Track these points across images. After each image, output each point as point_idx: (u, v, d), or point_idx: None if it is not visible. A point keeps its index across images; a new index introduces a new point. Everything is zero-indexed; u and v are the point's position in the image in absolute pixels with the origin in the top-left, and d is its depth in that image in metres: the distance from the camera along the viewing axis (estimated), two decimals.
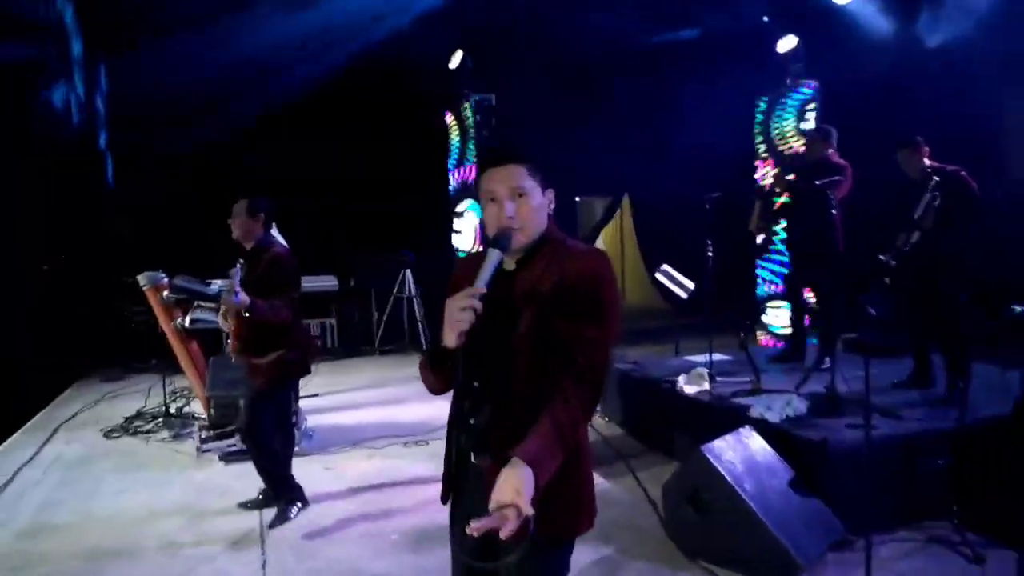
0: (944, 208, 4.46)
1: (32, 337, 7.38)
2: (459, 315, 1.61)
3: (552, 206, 1.88)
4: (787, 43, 8.31)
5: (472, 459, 1.79)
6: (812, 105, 8.03)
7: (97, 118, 10.16)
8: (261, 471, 4.15)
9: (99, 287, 8.86)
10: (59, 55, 8.85)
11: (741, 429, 3.77)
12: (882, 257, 4.68)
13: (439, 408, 6.47)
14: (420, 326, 9.54)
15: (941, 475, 3.81)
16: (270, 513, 4.14)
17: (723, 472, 3.38)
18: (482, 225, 2.09)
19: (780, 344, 7.59)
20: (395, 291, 9.68)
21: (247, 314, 3.80)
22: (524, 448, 1.57)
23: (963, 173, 4.51)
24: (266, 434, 4.07)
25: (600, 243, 15.90)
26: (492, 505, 1.51)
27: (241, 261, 3.89)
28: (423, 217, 9.99)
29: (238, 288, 3.74)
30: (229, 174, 8.80)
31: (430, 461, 5.02)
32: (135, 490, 4.67)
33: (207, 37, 8.54)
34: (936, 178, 4.55)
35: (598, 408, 5.95)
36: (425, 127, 9.70)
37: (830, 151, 5.85)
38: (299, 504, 4.20)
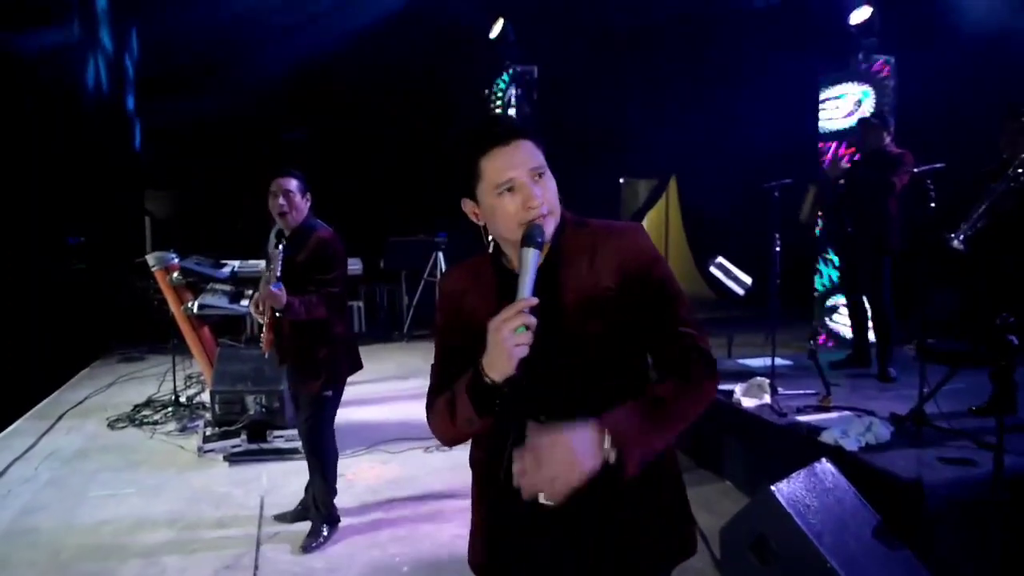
0: None
1: (53, 315, 7.03)
2: (514, 337, 1.28)
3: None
4: (861, 14, 7.54)
5: (541, 497, 1.39)
6: (889, 82, 7.28)
7: (126, 80, 9.79)
8: (317, 486, 3.69)
9: (123, 263, 8.51)
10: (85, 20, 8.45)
11: (817, 464, 3.16)
12: (950, 236, 4.00)
13: None
14: None
15: None
16: (277, 530, 3.68)
17: (797, 521, 2.79)
18: (484, 231, 1.57)
19: (830, 343, 7.00)
20: (426, 274, 9.19)
21: (279, 314, 3.33)
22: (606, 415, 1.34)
23: None
24: (327, 443, 3.68)
25: (644, 224, 15.29)
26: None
27: (283, 243, 3.40)
28: (455, 198, 9.47)
29: (279, 274, 3.27)
30: (258, 145, 8.38)
31: (452, 472, 4.51)
32: (125, 495, 4.23)
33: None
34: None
35: None
36: (463, 100, 9.14)
37: (887, 139, 5.28)
38: (335, 524, 3.73)
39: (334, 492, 3.74)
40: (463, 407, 1.40)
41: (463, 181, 1.48)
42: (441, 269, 9.08)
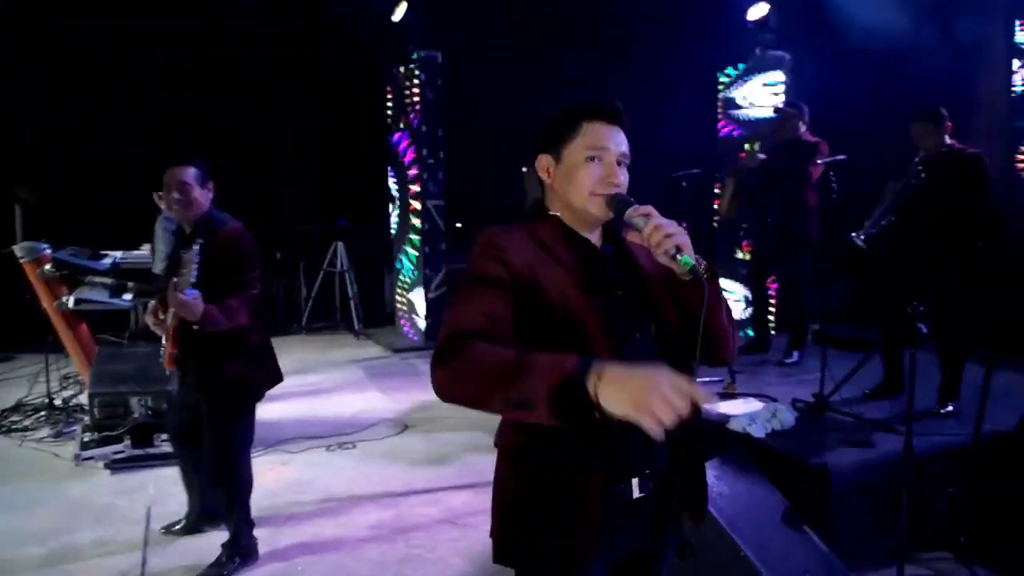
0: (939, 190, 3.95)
1: None
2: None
3: None
4: (758, 10, 7.75)
5: (635, 491, 1.48)
6: (783, 79, 7.52)
7: None
8: (228, 513, 3.22)
9: None
10: None
11: (727, 453, 3.18)
12: (854, 235, 4.16)
13: (370, 400, 5.78)
14: (352, 303, 8.76)
15: (947, 501, 3.36)
16: (166, 544, 3.39)
17: (712, 511, 2.78)
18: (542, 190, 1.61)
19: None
20: (325, 264, 8.85)
21: (195, 327, 2.84)
22: None
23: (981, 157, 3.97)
24: (239, 472, 3.21)
25: None
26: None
27: (200, 241, 2.87)
28: (358, 184, 9.16)
29: (194, 279, 2.75)
30: (136, 130, 7.81)
31: (357, 470, 4.32)
32: None
33: None
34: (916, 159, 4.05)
35: None
36: (363, 85, 8.82)
37: (803, 128, 5.38)
38: (250, 559, 3.25)
39: (251, 523, 3.30)
40: (531, 390, 1.18)
41: (556, 133, 1.52)
42: (341, 259, 8.77)
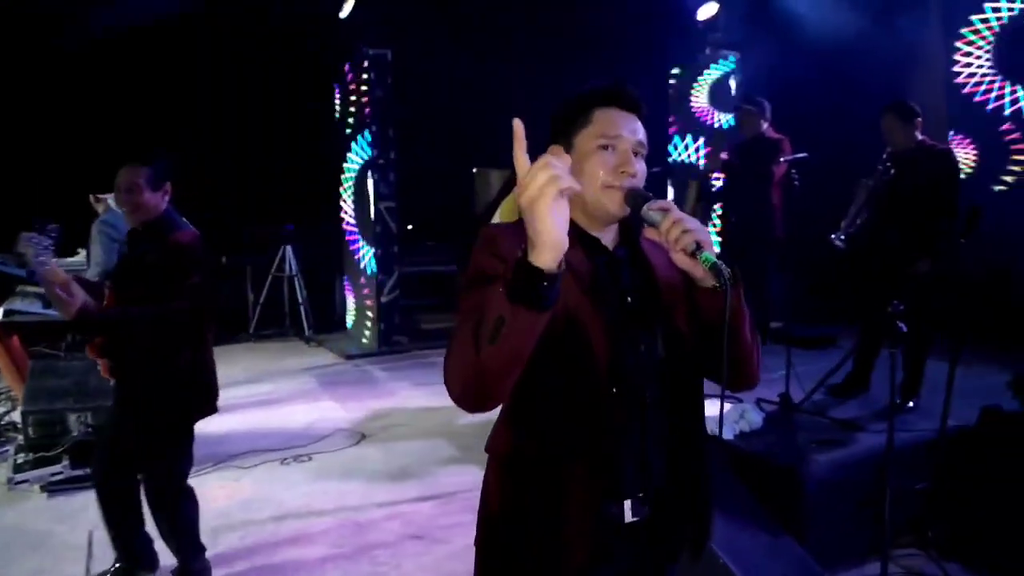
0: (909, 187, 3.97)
1: None
2: (542, 174, 1.06)
3: None
4: (707, 10, 7.79)
5: (627, 515, 1.37)
6: (733, 78, 7.58)
7: None
8: (174, 541, 3.00)
9: None
10: None
11: None
12: (833, 236, 4.17)
13: (324, 410, 5.59)
14: (302, 309, 8.51)
15: (914, 497, 3.37)
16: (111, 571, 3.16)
17: None
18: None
19: None
20: (274, 269, 8.58)
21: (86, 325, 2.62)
22: None
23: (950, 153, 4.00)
24: (179, 491, 2.99)
25: (496, 219, 15.25)
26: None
27: (55, 224, 2.65)
28: (306, 185, 8.90)
29: (48, 265, 2.46)
30: (69, 130, 7.43)
31: (314, 484, 4.14)
32: None
33: None
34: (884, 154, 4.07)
35: None
36: (312, 84, 8.58)
37: (765, 126, 5.39)
38: None
39: (201, 548, 3.09)
40: (492, 306, 1.13)
41: (566, 121, 1.42)
42: (290, 263, 8.51)
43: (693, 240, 1.22)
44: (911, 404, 4.03)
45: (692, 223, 1.25)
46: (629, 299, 1.40)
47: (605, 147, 1.37)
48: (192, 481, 4.12)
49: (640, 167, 1.40)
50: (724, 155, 5.47)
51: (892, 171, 3.93)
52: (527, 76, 9.78)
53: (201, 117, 8.27)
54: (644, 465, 1.37)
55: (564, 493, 1.33)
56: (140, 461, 2.93)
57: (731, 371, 1.35)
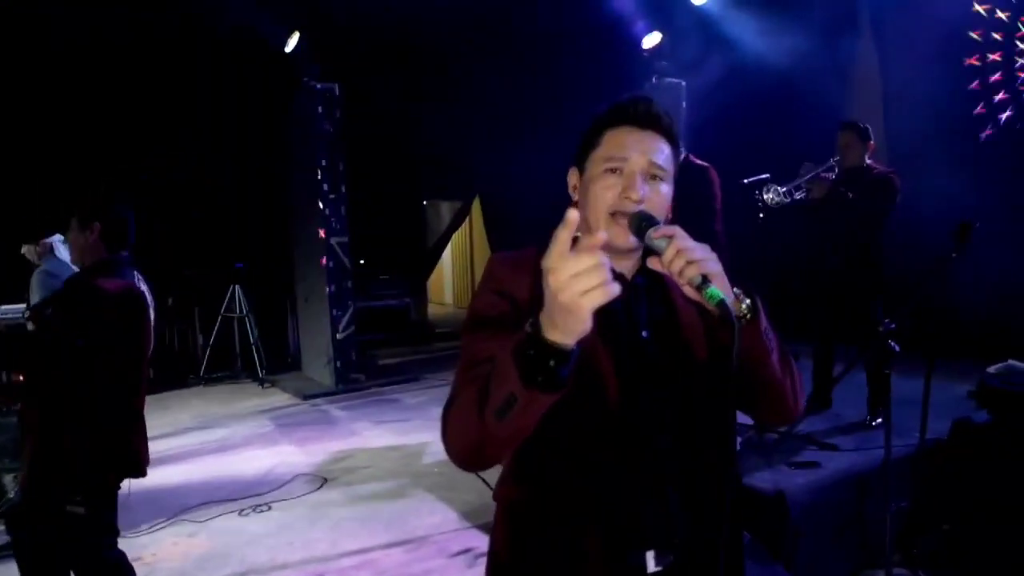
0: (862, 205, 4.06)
1: None
2: (589, 278, 0.91)
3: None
4: (652, 39, 7.91)
5: (650, 565, 1.24)
6: (681, 104, 7.68)
7: None
8: None
9: None
10: None
11: None
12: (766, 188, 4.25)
13: (282, 455, 5.37)
14: (254, 349, 8.25)
15: (893, 515, 3.35)
16: None
17: None
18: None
19: None
20: (223, 310, 8.31)
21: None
22: None
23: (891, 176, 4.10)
24: (101, 562, 2.70)
25: (448, 250, 15.15)
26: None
27: None
28: (256, 223, 8.69)
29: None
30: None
31: (276, 536, 3.93)
32: None
33: None
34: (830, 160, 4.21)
35: None
36: (259, 120, 8.40)
37: (684, 154, 5.47)
38: None
39: None
40: (502, 378, 1.02)
41: (582, 147, 1.33)
42: (240, 303, 8.26)
43: (698, 273, 1.09)
44: (879, 420, 4.05)
45: (698, 252, 1.11)
46: (644, 333, 1.29)
47: (612, 170, 1.25)
48: (144, 539, 3.94)
49: (653, 190, 1.25)
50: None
51: (846, 191, 4.00)
52: (474, 109, 9.80)
53: (145, 154, 8.03)
54: (665, 513, 1.25)
55: (580, 545, 1.23)
56: (53, 531, 2.63)
57: (763, 405, 1.28)
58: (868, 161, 4.13)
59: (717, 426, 1.30)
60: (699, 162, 5.40)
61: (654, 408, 1.25)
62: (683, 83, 7.75)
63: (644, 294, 1.32)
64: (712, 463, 1.29)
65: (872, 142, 4.12)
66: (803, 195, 4.14)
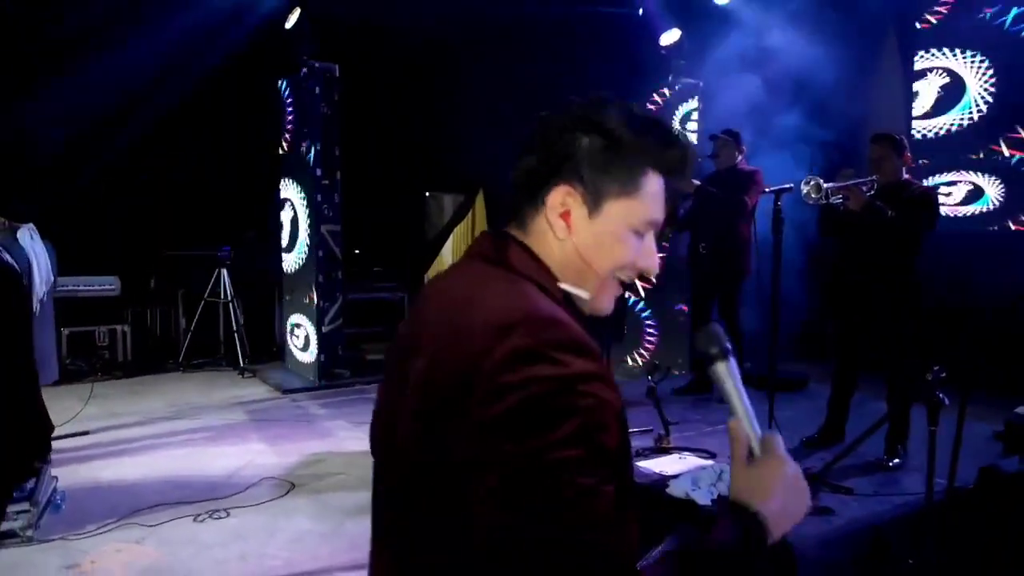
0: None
1: None
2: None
3: None
4: (670, 36, 7.56)
5: None
6: (697, 105, 7.34)
7: None
8: None
9: None
10: None
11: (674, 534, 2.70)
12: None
13: (251, 453, 5.02)
14: (237, 336, 7.91)
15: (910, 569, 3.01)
16: None
17: None
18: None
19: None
20: (207, 294, 7.98)
21: None
22: None
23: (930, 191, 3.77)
24: None
25: (449, 244, 14.79)
26: None
27: None
28: (246, 207, 8.36)
29: None
30: None
31: (229, 547, 3.59)
32: None
33: None
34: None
35: None
36: (253, 99, 8.07)
37: (740, 157, 5.16)
38: None
39: None
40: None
41: (602, 170, 1.00)
42: (226, 288, 7.92)
43: None
44: (897, 460, 3.71)
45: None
46: None
47: (639, 232, 1.04)
48: (86, 543, 3.60)
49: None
50: (696, 181, 5.18)
51: (888, 210, 3.65)
52: (480, 100, 9.45)
53: (131, 134, 7.70)
54: None
55: None
56: None
57: None
58: (906, 176, 3.78)
59: None
60: (747, 168, 5.15)
61: None
62: (700, 83, 7.42)
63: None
64: None
65: (908, 154, 3.77)
66: (840, 200, 3.80)
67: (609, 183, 1.01)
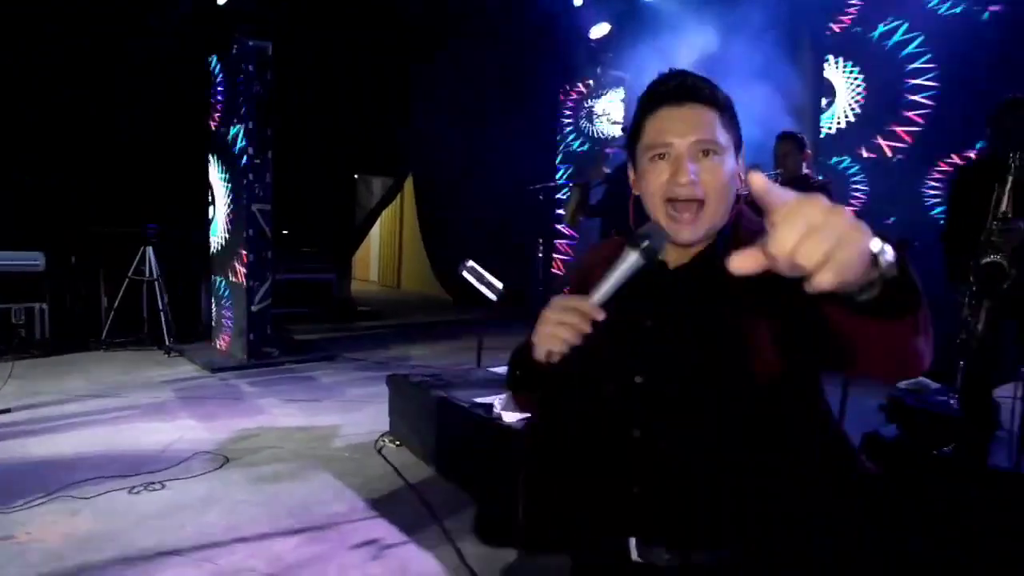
0: None
1: None
2: (553, 330, 1.10)
3: (744, 176, 1.19)
4: (600, 30, 7.84)
5: (633, 553, 1.21)
6: (623, 96, 7.65)
7: None
8: None
9: None
10: None
11: None
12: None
13: (183, 429, 5.07)
14: (162, 315, 7.83)
15: None
16: None
17: None
18: (635, 202, 1.29)
19: None
20: (131, 272, 7.85)
21: None
22: None
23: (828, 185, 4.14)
24: None
25: (377, 227, 14.80)
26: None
27: None
28: (171, 184, 8.24)
29: None
30: None
31: (167, 517, 3.68)
32: None
33: None
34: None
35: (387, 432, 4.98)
36: (182, 75, 7.94)
37: (804, 165, 5.44)
38: None
39: None
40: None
41: (630, 138, 1.29)
42: (151, 266, 7.81)
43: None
44: None
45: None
46: (649, 323, 1.25)
47: (660, 156, 1.20)
48: (19, 515, 3.64)
49: (706, 168, 1.18)
50: (607, 169, 5.46)
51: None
52: (413, 85, 9.55)
53: (56, 105, 7.49)
54: (632, 505, 1.23)
55: (575, 521, 1.31)
56: None
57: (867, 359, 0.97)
58: (806, 170, 4.15)
59: (710, 427, 1.19)
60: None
61: (630, 399, 1.22)
62: (627, 76, 7.72)
63: (676, 282, 1.27)
64: (690, 461, 1.19)
65: (809, 151, 4.15)
66: (746, 193, 4.15)
67: (633, 140, 1.29)
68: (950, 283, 3.53)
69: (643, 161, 1.23)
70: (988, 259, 3.15)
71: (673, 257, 1.27)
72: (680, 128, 1.19)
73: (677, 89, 1.22)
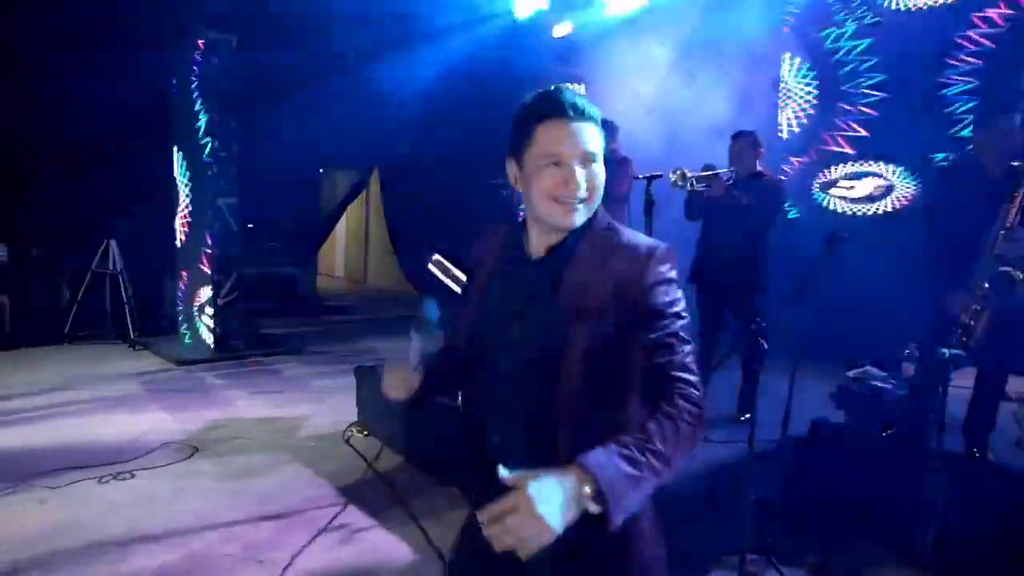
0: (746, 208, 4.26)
1: None
2: (386, 389, 1.72)
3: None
4: (562, 28, 7.98)
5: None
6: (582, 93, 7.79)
7: None
8: None
9: None
10: None
11: None
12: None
13: (151, 421, 5.12)
14: (127, 308, 7.79)
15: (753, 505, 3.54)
16: None
17: None
18: (518, 198, 1.64)
19: None
20: (95, 265, 7.80)
21: None
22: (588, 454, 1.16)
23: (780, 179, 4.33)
24: None
25: (343, 221, 14.78)
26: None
27: None
28: (136, 176, 8.18)
29: None
30: None
31: (138, 506, 3.74)
32: None
33: None
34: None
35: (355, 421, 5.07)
36: (147, 69, 7.88)
37: (614, 144, 5.56)
38: None
39: None
40: None
41: (516, 140, 1.45)
42: (115, 259, 7.77)
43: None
44: (747, 415, 4.27)
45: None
46: (515, 306, 1.49)
47: (556, 163, 1.39)
48: None
49: (589, 173, 1.40)
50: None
51: (741, 195, 4.18)
52: (378, 77, 9.57)
53: (18, 97, 7.40)
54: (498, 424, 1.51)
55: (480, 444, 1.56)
56: None
57: None
58: (759, 168, 4.34)
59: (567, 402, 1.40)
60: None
61: (498, 372, 1.51)
62: (585, 74, 7.84)
63: (535, 270, 1.49)
64: (552, 396, 1.40)
65: (762, 149, 4.33)
66: (704, 187, 4.31)
67: (522, 145, 1.43)
68: (944, 290, 3.57)
69: (533, 164, 1.41)
70: (1000, 270, 3.29)
71: (535, 249, 1.50)
72: (573, 141, 1.39)
73: (571, 107, 1.39)
